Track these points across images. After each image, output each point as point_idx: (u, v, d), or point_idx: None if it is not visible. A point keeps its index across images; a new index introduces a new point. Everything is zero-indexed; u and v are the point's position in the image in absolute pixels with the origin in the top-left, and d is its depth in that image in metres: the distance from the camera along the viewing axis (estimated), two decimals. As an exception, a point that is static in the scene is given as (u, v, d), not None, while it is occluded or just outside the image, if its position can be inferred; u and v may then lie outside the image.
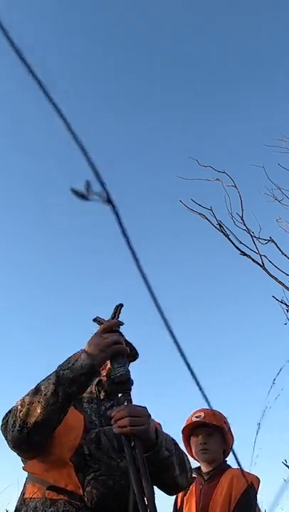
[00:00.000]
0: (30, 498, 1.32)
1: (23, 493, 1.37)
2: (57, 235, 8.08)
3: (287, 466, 2.28)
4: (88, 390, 1.55)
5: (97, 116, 7.58)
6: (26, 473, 1.41)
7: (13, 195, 7.84)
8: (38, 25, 6.45)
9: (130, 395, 1.28)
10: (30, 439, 1.26)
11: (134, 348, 1.67)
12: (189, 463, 1.52)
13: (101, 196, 0.40)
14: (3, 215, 7.45)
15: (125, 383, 1.27)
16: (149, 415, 1.30)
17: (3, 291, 7.20)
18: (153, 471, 1.23)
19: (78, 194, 0.40)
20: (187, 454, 2.41)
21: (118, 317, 1.39)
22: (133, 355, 1.65)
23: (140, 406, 1.30)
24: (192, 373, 1.01)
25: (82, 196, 0.40)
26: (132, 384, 1.30)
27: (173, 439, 1.46)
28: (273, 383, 1.89)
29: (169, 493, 1.52)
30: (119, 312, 1.39)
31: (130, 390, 1.29)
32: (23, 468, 1.38)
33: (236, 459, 1.31)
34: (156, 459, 1.29)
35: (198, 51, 7.07)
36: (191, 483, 2.28)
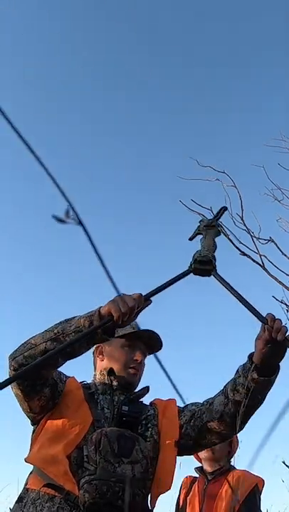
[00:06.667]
0: (32, 489, 1.37)
1: (26, 483, 1.42)
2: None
3: (287, 466, 2.33)
4: (102, 380, 1.57)
5: (97, 116, 7.68)
6: (26, 471, 1.46)
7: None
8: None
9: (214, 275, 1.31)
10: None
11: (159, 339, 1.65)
12: None
13: (74, 219, 0.53)
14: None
15: (208, 264, 1.30)
16: None
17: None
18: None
19: (58, 219, 0.52)
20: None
21: (219, 218, 1.46)
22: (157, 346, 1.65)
23: None
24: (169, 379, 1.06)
25: (61, 221, 0.52)
26: (215, 268, 1.31)
27: None
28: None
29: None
30: (222, 215, 1.47)
31: (211, 271, 1.31)
32: (25, 460, 1.41)
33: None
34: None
35: (199, 51, 7.15)
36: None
